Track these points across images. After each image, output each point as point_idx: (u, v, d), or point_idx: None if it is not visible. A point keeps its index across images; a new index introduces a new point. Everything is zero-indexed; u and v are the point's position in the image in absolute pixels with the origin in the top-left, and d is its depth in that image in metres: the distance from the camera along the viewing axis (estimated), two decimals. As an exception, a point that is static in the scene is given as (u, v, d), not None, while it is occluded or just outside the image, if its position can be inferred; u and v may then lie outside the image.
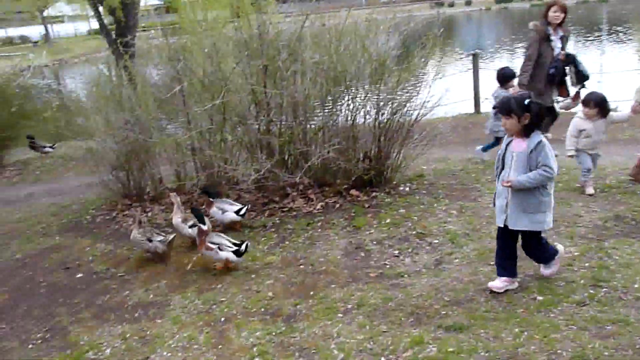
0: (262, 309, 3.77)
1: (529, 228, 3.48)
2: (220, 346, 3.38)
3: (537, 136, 3.40)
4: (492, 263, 3.94)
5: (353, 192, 5.64)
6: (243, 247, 4.31)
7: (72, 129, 6.66)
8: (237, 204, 5.24)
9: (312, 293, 3.91)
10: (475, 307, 3.47)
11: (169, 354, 3.35)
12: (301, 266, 4.36)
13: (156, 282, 4.36)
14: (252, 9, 6.81)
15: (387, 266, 4.23)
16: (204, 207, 5.22)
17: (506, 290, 3.59)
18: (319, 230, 5.01)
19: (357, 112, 5.65)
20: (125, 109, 5.99)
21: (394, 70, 5.64)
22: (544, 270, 3.71)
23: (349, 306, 3.67)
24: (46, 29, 47.60)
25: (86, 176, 7.43)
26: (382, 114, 5.57)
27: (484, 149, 6.60)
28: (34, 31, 48.41)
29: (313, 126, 5.79)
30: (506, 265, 3.61)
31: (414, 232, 4.75)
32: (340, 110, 5.71)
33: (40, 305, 4.19)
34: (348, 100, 5.65)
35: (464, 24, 38.70)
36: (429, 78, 5.80)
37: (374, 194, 5.62)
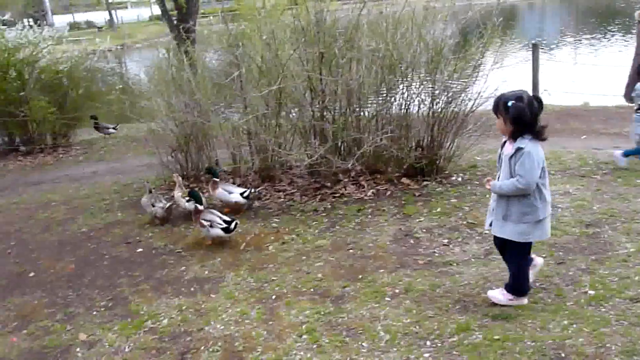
0: (312, 289, 3.89)
1: (507, 236, 3.25)
2: (270, 322, 3.51)
3: (522, 142, 3.10)
4: (543, 255, 3.91)
5: (404, 180, 5.68)
6: (232, 225, 4.61)
7: (136, 111, 6.95)
8: (241, 188, 5.51)
9: (360, 276, 3.99)
10: (523, 298, 3.46)
11: (222, 327, 3.51)
12: (350, 250, 4.45)
13: (211, 259, 4.55)
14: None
15: (436, 254, 4.26)
16: (208, 186, 5.57)
17: (555, 283, 3.57)
18: (369, 216, 5.08)
19: (412, 100, 5.66)
20: (185, 92, 6.21)
21: (451, 59, 5.61)
22: (493, 294, 3.43)
23: (397, 291, 3.73)
24: (110, 15, 49.24)
25: (146, 157, 7.76)
26: (437, 103, 5.56)
27: (626, 154, 5.69)
28: (99, 16, 50.19)
29: (366, 113, 5.85)
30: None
31: (464, 222, 4.75)
32: (394, 98, 5.74)
33: (104, 276, 4.45)
34: (403, 88, 5.67)
35: (525, 13, 37.48)
36: (487, 68, 5.74)
37: (425, 182, 5.63)
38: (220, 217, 4.69)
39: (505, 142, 3.27)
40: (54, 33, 9.95)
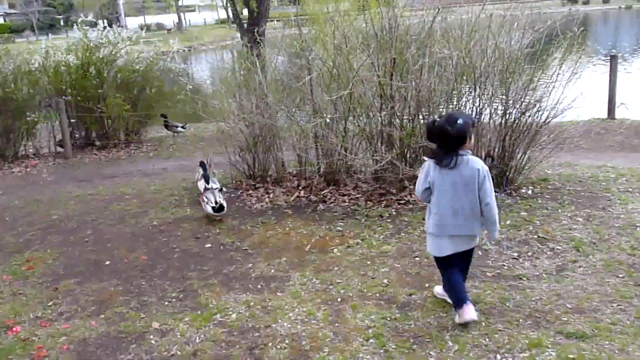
0: (377, 294, 3.89)
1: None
2: (336, 324, 3.54)
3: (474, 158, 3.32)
4: (621, 275, 3.77)
5: (472, 190, 5.57)
6: (217, 206, 5.43)
7: (207, 111, 7.16)
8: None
9: (427, 285, 3.96)
10: (600, 318, 3.34)
11: (289, 325, 3.57)
12: (416, 258, 4.42)
13: (277, 258, 4.63)
14: (376, 2, 6.89)
15: (505, 267, 4.17)
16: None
17: (635, 305, 3.42)
18: (436, 225, 5.02)
19: (484, 109, 5.57)
20: (256, 94, 6.36)
21: (526, 68, 5.49)
22: (438, 288, 3.74)
23: (465, 301, 3.68)
24: (179, 18, 51.03)
25: (213, 156, 7.96)
26: (510, 113, 5.45)
27: None
28: (169, 19, 52.07)
29: (436, 121, 5.78)
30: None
31: (535, 236, 4.62)
32: (466, 106, 5.66)
33: (175, 268, 4.61)
34: (474, 96, 5.58)
35: (600, 23, 36.07)
36: (562, 79, 5.58)
37: (495, 194, 5.50)
38: (215, 198, 5.46)
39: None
40: (132, 34, 10.41)
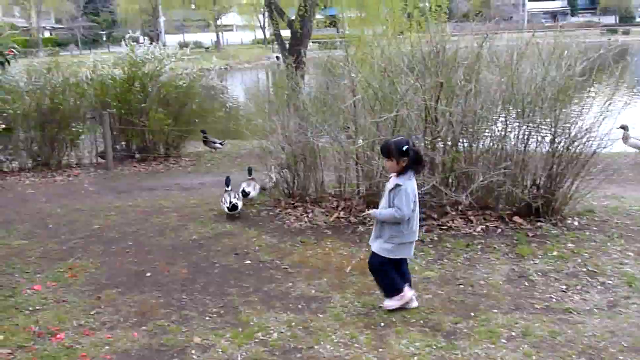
0: (421, 321, 3.81)
1: (375, 250, 3.87)
2: (380, 349, 3.47)
3: (401, 179, 3.70)
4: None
5: (516, 218, 5.47)
6: (231, 205, 6.15)
7: (247, 128, 7.22)
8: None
9: (472, 314, 3.86)
10: (658, 358, 3.20)
11: (332, 348, 3.51)
12: (460, 286, 4.33)
13: (317, 278, 4.59)
14: (419, 27, 6.87)
15: (554, 300, 4.04)
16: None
17: (697, 347, 3.27)
18: (479, 252, 4.93)
19: (530, 136, 5.48)
20: (299, 114, 6.39)
21: (575, 97, 5.40)
22: (385, 302, 3.94)
23: (513, 333, 3.57)
24: (217, 37, 52.06)
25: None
26: (558, 142, 5.34)
27: None
28: (207, 38, 53.17)
29: (480, 147, 5.72)
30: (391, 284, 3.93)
31: (584, 269, 4.49)
32: (512, 133, 5.58)
33: (215, 284, 4.61)
34: (522, 123, 5.50)
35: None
36: (613, 109, 5.46)
37: (539, 223, 5.40)
38: (230, 199, 6.15)
39: (390, 177, 3.86)
40: (176, 51, 10.65)
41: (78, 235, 6.00)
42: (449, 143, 5.68)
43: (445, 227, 5.48)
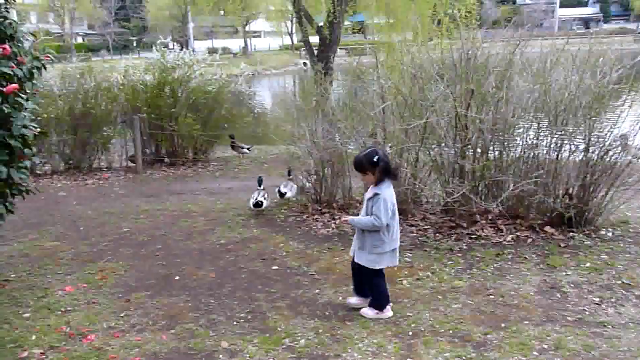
0: (450, 331, 3.75)
1: (363, 263, 3.91)
2: (408, 359, 3.43)
3: (379, 188, 3.78)
4: None
5: (548, 228, 5.36)
6: (255, 202, 6.55)
7: (275, 134, 7.25)
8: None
9: (503, 325, 3.79)
10: (699, 376, 3.09)
11: (360, 356, 3.48)
12: (490, 296, 4.25)
13: (345, 285, 4.56)
14: (447, 33, 6.82)
15: (587, 312, 3.94)
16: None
17: None
18: (509, 262, 4.85)
19: (563, 145, 5.38)
20: (327, 120, 6.39)
21: (611, 106, 5.28)
22: (365, 310, 4.01)
23: (545, 346, 3.49)
24: (245, 43, 52.57)
25: (277, 177, 8.03)
26: (592, 151, 5.23)
27: None
28: (235, 44, 53.72)
29: (512, 155, 5.63)
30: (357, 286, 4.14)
31: (618, 282, 4.37)
32: (544, 141, 5.48)
33: (242, 288, 4.62)
34: (554, 131, 5.40)
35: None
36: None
37: (571, 234, 5.28)
38: (258, 196, 6.52)
39: (369, 187, 3.93)
40: (206, 57, 10.76)
41: (108, 238, 6.09)
42: (479, 151, 5.61)
43: (474, 236, 5.40)
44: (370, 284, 4.02)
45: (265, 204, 6.64)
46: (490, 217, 5.61)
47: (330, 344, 3.65)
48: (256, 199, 6.61)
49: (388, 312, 4.00)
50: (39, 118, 8.94)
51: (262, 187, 6.82)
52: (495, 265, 4.81)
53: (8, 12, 3.74)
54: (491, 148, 5.59)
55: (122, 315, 4.17)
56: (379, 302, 4.00)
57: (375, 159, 3.75)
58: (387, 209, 3.76)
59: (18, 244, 5.97)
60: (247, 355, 3.55)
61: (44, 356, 3.60)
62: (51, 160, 10.02)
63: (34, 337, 3.83)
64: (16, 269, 5.18)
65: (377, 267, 3.92)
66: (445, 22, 9.70)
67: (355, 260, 4.00)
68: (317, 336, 3.76)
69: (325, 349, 3.60)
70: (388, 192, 3.81)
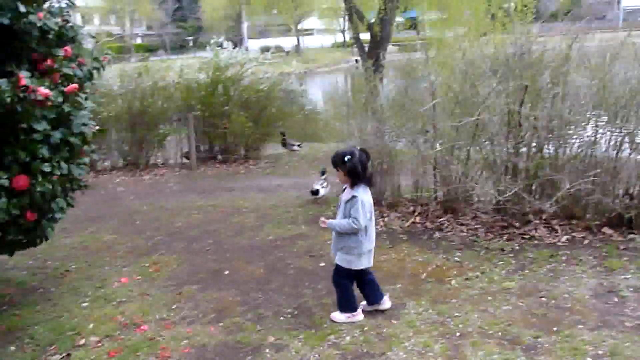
0: (499, 333, 3.67)
1: (338, 262, 3.93)
2: (455, 360, 3.38)
3: (356, 190, 3.75)
4: None
5: (606, 229, 5.15)
6: (314, 191, 6.84)
7: (325, 131, 7.28)
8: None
9: (555, 329, 3.67)
10: None
11: (405, 355, 3.46)
12: (542, 298, 4.13)
13: (392, 284, 4.53)
14: (502, 28, 6.64)
15: (646, 318, 3.77)
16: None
17: None
18: (564, 264, 4.69)
19: (623, 143, 5.15)
20: (376, 117, 6.36)
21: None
22: (333, 314, 3.99)
23: (600, 352, 3.36)
24: (298, 41, 52.90)
25: (328, 175, 8.05)
26: (656, 149, 4.99)
27: None
28: (287, 42, 54.15)
29: (567, 153, 5.44)
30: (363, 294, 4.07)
31: (682, 287, 4.15)
32: (603, 138, 5.27)
33: (290, 284, 4.67)
34: (614, 128, 5.18)
35: None
36: None
37: (631, 235, 5.05)
38: (316, 186, 6.74)
39: (344, 188, 3.90)
40: (258, 55, 10.92)
41: (162, 232, 6.29)
42: (533, 148, 5.45)
43: (527, 236, 5.25)
44: (339, 284, 3.99)
45: (322, 192, 6.84)
46: (544, 217, 5.44)
47: (376, 342, 3.64)
48: (314, 187, 6.98)
49: (359, 315, 3.96)
50: (99, 116, 9.36)
51: (323, 177, 7.03)
52: (548, 266, 4.66)
53: (70, 15, 3.91)
54: (546, 145, 5.43)
55: (173, 307, 4.31)
56: (346, 302, 3.97)
57: (346, 159, 3.72)
58: (365, 212, 3.74)
59: (79, 236, 6.26)
60: (293, 351, 3.59)
61: (100, 344, 3.76)
62: (111, 156, 10.44)
63: (91, 326, 4.01)
64: (76, 261, 5.43)
65: (354, 268, 3.89)
66: (500, 16, 9.46)
67: (335, 261, 3.98)
68: (363, 334, 3.76)
69: (370, 346, 3.60)
70: (365, 195, 3.78)
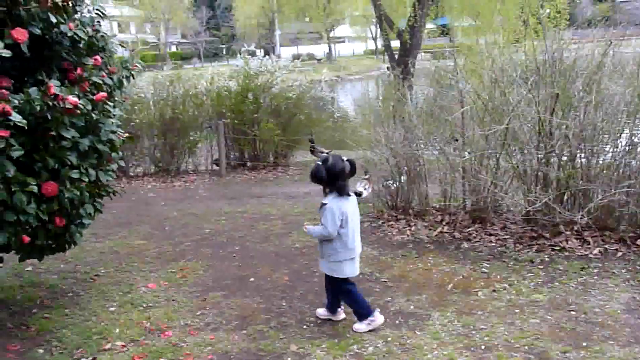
0: (526, 347, 3.58)
1: (326, 272, 3.97)
2: (479, 373, 3.31)
3: (327, 198, 3.82)
4: None
5: (640, 242, 4.99)
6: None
7: (353, 139, 7.27)
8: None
9: (584, 344, 3.56)
10: None
11: (428, 368, 3.41)
12: (572, 312, 4.01)
13: (417, 294, 4.48)
14: (534, 35, 6.51)
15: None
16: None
17: None
18: (595, 277, 4.55)
19: (660, 153, 4.99)
20: (404, 125, 6.32)
21: None
22: (355, 325, 3.93)
23: (632, 369, 3.25)
24: (329, 48, 53.11)
25: (353, 183, 8.02)
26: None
27: None
28: (319, 50, 54.41)
29: (600, 162, 5.30)
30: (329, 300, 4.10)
31: None
32: (638, 148, 5.11)
33: (314, 292, 4.66)
34: (650, 138, 5.03)
35: None
36: None
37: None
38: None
39: None
40: (288, 63, 11.00)
41: (190, 238, 6.36)
42: (565, 158, 5.33)
43: (557, 248, 5.13)
44: (342, 294, 3.99)
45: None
46: (575, 228, 5.30)
47: (399, 353, 3.60)
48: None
49: (379, 318, 3.93)
50: (132, 123, 9.58)
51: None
52: (579, 279, 4.54)
53: (100, 25, 4.01)
54: (578, 155, 5.30)
55: (198, 313, 4.34)
56: (359, 309, 3.94)
57: (319, 176, 3.80)
58: (335, 219, 3.71)
59: (109, 241, 6.38)
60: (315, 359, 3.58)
61: (125, 349, 3.81)
62: (143, 163, 10.64)
63: (117, 330, 4.07)
64: (106, 265, 5.54)
65: (338, 276, 3.89)
66: (533, 22, 9.30)
67: (320, 268, 4.07)
68: (386, 344, 3.72)
69: (393, 357, 3.55)
70: (336, 202, 3.76)
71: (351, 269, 3.91)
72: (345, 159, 3.81)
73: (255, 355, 3.68)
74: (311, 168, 3.88)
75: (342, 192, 3.79)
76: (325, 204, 3.80)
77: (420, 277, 4.82)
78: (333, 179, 3.76)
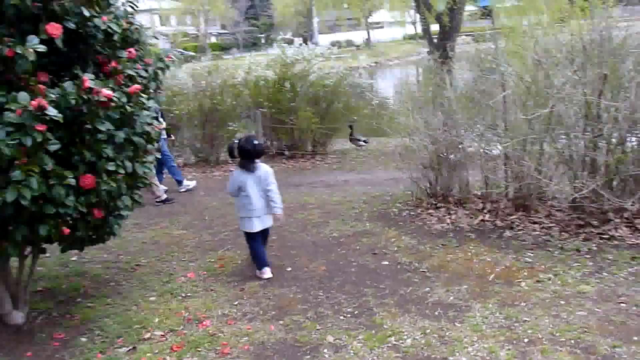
0: (572, 341, 3.43)
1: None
2: (522, 368, 3.19)
3: (234, 168, 4.93)
4: None
5: (697, 230, 4.72)
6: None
7: (392, 126, 7.13)
8: None
9: (635, 338, 3.39)
10: None
11: (468, 361, 3.31)
12: (622, 304, 3.83)
13: (457, 285, 4.37)
14: (581, 13, 6.21)
15: None
16: None
17: None
18: (648, 267, 4.33)
19: None
20: (444, 111, 6.15)
21: None
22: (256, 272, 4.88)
23: (687, 366, 3.07)
24: (368, 34, 52.55)
25: (394, 171, 7.90)
26: None
27: None
28: (357, 36, 53.92)
29: (653, 147, 5.03)
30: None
31: None
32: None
33: (351, 282, 4.61)
34: None
35: None
36: None
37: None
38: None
39: None
40: (325, 51, 10.88)
41: (229, 228, 6.40)
42: (614, 142, 5.07)
43: (606, 236, 4.90)
44: (248, 244, 4.93)
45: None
46: (625, 216, 5.06)
47: (438, 346, 3.51)
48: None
49: (265, 273, 4.78)
50: (171, 114, 9.70)
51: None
52: (629, 269, 4.32)
53: (134, 18, 4.02)
54: (628, 139, 5.04)
55: (235, 303, 4.36)
56: (256, 260, 4.87)
57: (231, 153, 4.99)
58: (234, 184, 4.75)
59: (151, 231, 6.49)
60: (352, 351, 3.53)
61: (164, 338, 3.86)
62: (183, 153, 10.77)
63: (157, 320, 4.13)
64: (147, 255, 5.63)
65: (242, 229, 4.86)
66: (579, 0, 8.88)
67: None
68: (424, 337, 3.64)
69: (432, 350, 3.47)
70: (238, 172, 4.77)
71: (249, 225, 4.76)
72: (255, 142, 4.76)
73: (291, 346, 3.66)
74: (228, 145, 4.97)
75: (244, 167, 4.75)
76: (232, 171, 4.89)
77: (461, 267, 4.70)
78: (241, 156, 4.74)
